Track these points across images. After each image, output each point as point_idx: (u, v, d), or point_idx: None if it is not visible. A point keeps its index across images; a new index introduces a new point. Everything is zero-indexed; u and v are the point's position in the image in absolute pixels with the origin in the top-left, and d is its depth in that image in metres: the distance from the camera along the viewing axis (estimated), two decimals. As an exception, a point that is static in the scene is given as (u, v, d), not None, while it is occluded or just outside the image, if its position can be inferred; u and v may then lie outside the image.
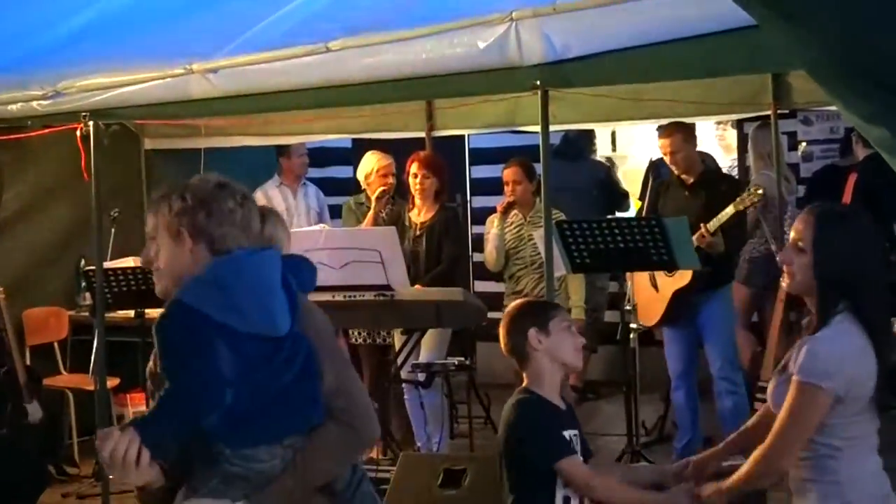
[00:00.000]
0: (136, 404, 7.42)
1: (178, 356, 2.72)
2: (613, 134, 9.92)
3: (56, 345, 7.78)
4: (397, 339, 6.76)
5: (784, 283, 3.33)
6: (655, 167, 7.64)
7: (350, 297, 5.97)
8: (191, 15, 5.92)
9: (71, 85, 5.93)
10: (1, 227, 7.69)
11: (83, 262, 7.67)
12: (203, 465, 2.80)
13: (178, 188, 2.88)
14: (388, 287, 5.93)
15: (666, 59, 4.48)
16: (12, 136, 6.67)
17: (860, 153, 7.03)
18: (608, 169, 9.01)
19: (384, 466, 5.97)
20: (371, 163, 7.29)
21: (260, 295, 2.78)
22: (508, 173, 6.87)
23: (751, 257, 7.65)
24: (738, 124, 8.96)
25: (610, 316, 8.55)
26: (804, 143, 8.88)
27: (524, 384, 3.64)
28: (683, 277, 6.41)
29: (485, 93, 6.01)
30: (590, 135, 8.92)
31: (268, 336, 2.77)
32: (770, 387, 3.31)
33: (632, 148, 9.78)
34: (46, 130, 6.37)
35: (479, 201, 9.66)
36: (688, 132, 6.67)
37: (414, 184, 6.85)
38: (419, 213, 6.89)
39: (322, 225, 7.61)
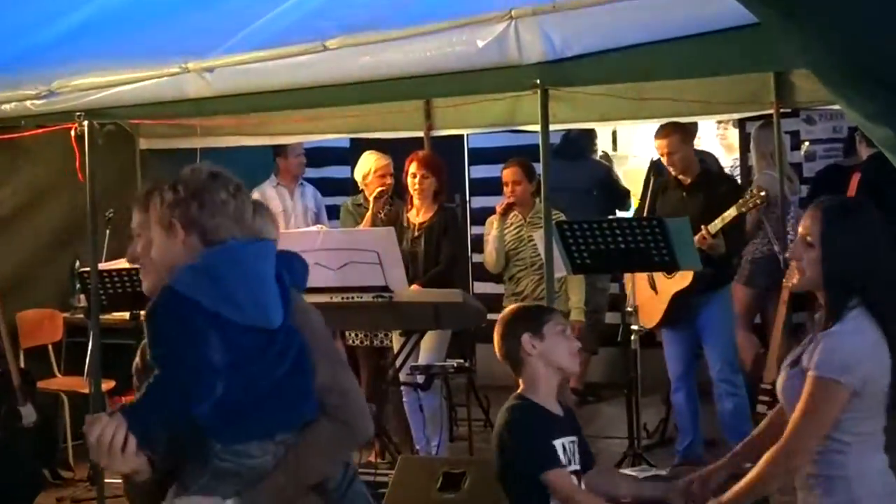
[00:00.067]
0: (132, 407, 7.40)
1: (168, 344, 2.72)
2: (614, 133, 9.92)
3: (50, 347, 7.78)
4: (396, 340, 6.75)
5: (794, 279, 3.33)
6: (657, 167, 7.63)
7: (348, 298, 5.97)
8: (186, 13, 5.92)
9: (65, 84, 5.92)
10: (-5, 227, 7.69)
11: (78, 263, 7.66)
12: (194, 461, 2.80)
13: (167, 177, 2.88)
14: (386, 288, 5.93)
15: (667, 58, 4.48)
16: (6, 136, 6.66)
17: (864, 152, 7.02)
18: (608, 168, 9.01)
19: (382, 469, 5.97)
20: (369, 163, 7.29)
21: (253, 286, 2.78)
22: (508, 174, 6.87)
23: (753, 258, 7.65)
24: (741, 123, 8.96)
25: (611, 317, 8.54)
26: (807, 143, 8.88)
27: (519, 390, 3.63)
28: (683, 279, 6.41)
29: (484, 92, 6.01)
30: (591, 134, 8.92)
31: (261, 328, 2.77)
32: (780, 381, 3.31)
33: (633, 147, 9.79)
34: (40, 130, 6.36)
35: (479, 201, 9.66)
36: (685, 133, 6.67)
37: (413, 184, 6.84)
38: (418, 214, 6.89)
39: (319, 226, 7.61)
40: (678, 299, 6.48)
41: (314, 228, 7.26)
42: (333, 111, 6.96)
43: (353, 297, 5.97)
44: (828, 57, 1.92)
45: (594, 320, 8.19)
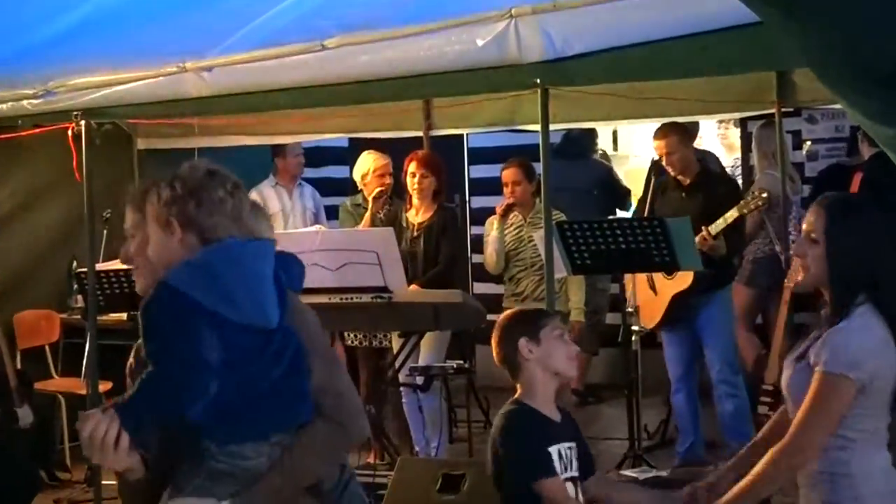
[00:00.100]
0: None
1: (162, 339, 2.71)
2: (615, 133, 9.92)
3: (47, 348, 7.78)
4: (395, 341, 6.75)
5: (799, 276, 3.33)
6: (657, 167, 7.64)
7: (347, 299, 5.97)
8: (184, 12, 5.91)
9: (62, 84, 5.92)
10: (-9, 228, 7.70)
11: (75, 263, 7.66)
12: (188, 462, 2.80)
13: (165, 177, 2.86)
14: (385, 289, 5.93)
15: (668, 57, 4.48)
16: (2, 136, 6.65)
17: (866, 152, 7.03)
18: (609, 168, 9.00)
19: (381, 471, 5.97)
20: (368, 163, 7.29)
21: (251, 285, 2.77)
22: (507, 174, 6.87)
23: (755, 258, 7.66)
24: (742, 123, 8.97)
25: (611, 318, 8.54)
26: (809, 142, 8.88)
27: (516, 395, 3.62)
28: (682, 281, 6.41)
29: (484, 91, 6.02)
30: (592, 134, 8.92)
31: (257, 328, 2.76)
32: (785, 376, 3.30)
33: (634, 147, 9.79)
34: (37, 130, 6.36)
35: (478, 201, 9.66)
36: (683, 133, 6.67)
37: (412, 183, 6.84)
38: (417, 213, 6.89)
39: (318, 226, 7.60)
40: (678, 300, 6.49)
41: (313, 229, 7.26)
42: (332, 111, 6.96)
43: (351, 298, 5.96)
44: (829, 56, 1.92)
45: (594, 321, 8.20)
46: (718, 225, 6.27)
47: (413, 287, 6.43)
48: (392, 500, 5.04)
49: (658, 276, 6.51)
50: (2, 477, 6.29)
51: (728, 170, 8.85)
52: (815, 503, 3.24)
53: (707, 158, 8.43)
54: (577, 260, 5.79)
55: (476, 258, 8.96)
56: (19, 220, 7.82)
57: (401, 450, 6.70)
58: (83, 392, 6.88)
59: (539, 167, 5.35)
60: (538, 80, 4.81)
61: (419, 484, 5.01)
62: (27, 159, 7.57)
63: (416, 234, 6.84)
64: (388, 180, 7.23)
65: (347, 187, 8.27)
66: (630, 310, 6.45)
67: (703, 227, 6.20)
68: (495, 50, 4.67)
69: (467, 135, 9.18)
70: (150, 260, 2.89)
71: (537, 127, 5.08)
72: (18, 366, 7.31)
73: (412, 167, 6.85)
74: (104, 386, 6.80)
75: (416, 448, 6.75)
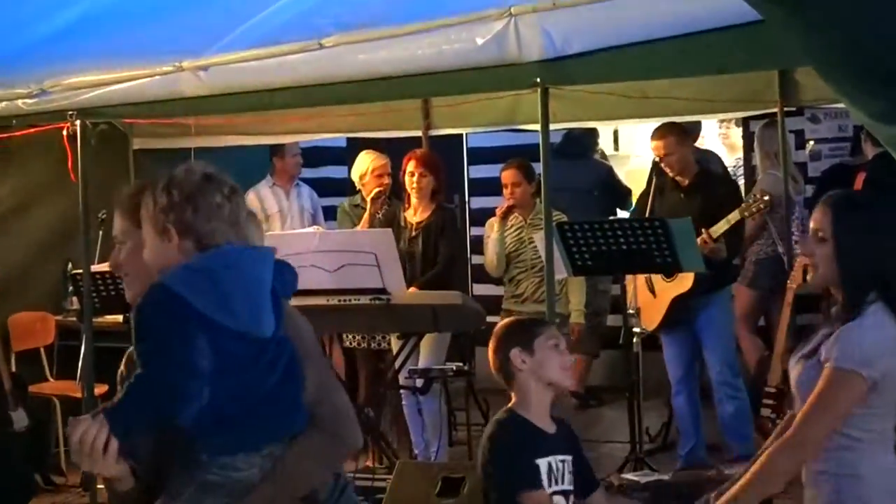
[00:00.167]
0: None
1: (154, 340, 2.68)
2: (616, 133, 9.92)
3: (42, 350, 7.77)
4: (394, 343, 6.75)
5: (808, 276, 3.32)
6: (659, 167, 7.64)
7: (345, 300, 5.97)
8: (180, 11, 5.92)
9: (57, 83, 5.93)
10: (-15, 229, 7.69)
11: (70, 265, 7.65)
12: (179, 474, 2.78)
13: (159, 181, 2.82)
14: (384, 290, 5.93)
15: (669, 56, 4.49)
16: (-3, 136, 6.67)
17: (869, 152, 7.03)
18: (609, 168, 9.01)
19: (380, 475, 5.97)
20: (366, 163, 7.29)
21: (249, 292, 2.75)
22: (506, 175, 6.87)
23: (757, 259, 7.66)
24: (744, 122, 8.97)
25: (612, 320, 8.54)
26: (811, 142, 8.88)
27: (510, 404, 3.61)
28: (681, 284, 6.41)
29: (483, 90, 6.02)
30: (593, 133, 8.92)
31: (252, 336, 2.75)
32: (795, 373, 3.30)
33: (635, 147, 9.78)
34: (32, 130, 6.36)
35: (478, 202, 9.66)
36: (682, 133, 6.67)
37: (410, 182, 6.84)
38: (415, 213, 6.89)
39: (316, 227, 7.60)
40: (678, 302, 6.48)
41: (311, 230, 7.25)
42: (330, 110, 6.97)
43: (350, 300, 5.97)
44: (831, 55, 1.93)
45: (595, 323, 8.19)
46: (719, 227, 6.27)
47: (412, 291, 6.43)
48: (391, 503, 5.04)
49: (657, 279, 6.51)
50: (-4, 481, 6.30)
51: (730, 170, 8.85)
52: None
53: (709, 158, 8.43)
54: (577, 261, 5.79)
55: (476, 259, 8.97)
56: (14, 222, 7.82)
57: (400, 453, 6.70)
58: (78, 395, 6.88)
59: (539, 167, 5.35)
60: (538, 80, 4.81)
61: (418, 487, 5.01)
62: (21, 160, 7.56)
63: (414, 233, 6.84)
64: (387, 180, 7.23)
65: (345, 187, 8.27)
66: (631, 311, 6.45)
67: (703, 230, 6.20)
68: (495, 49, 4.68)
69: (467, 134, 9.18)
70: (141, 267, 2.87)
71: (537, 127, 5.09)
72: (13, 368, 7.30)
73: (411, 166, 6.85)
74: (100, 389, 6.80)
75: (416, 451, 6.75)
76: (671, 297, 6.50)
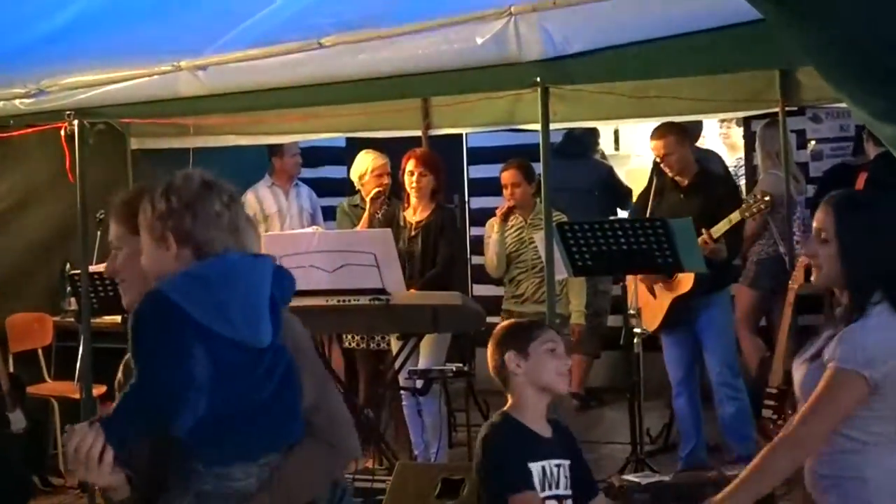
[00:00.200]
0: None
1: (149, 350, 2.68)
2: (616, 132, 9.92)
3: (40, 351, 7.77)
4: (394, 344, 6.75)
5: (813, 277, 3.32)
6: (660, 167, 7.64)
7: (344, 301, 5.97)
8: (179, 10, 5.92)
9: (55, 83, 5.93)
10: (-17, 230, 7.69)
11: (68, 265, 7.65)
12: (176, 484, 2.78)
13: (157, 187, 2.81)
14: (383, 291, 5.93)
15: (670, 55, 4.49)
16: (-6, 136, 6.67)
17: (871, 151, 7.03)
18: (610, 168, 9.01)
19: (380, 476, 5.96)
20: (365, 163, 7.29)
21: (247, 301, 2.74)
22: (506, 176, 6.86)
23: (758, 259, 7.65)
24: (745, 122, 8.96)
25: (613, 320, 8.54)
26: (813, 142, 8.88)
27: (506, 406, 3.60)
28: (682, 285, 6.40)
29: (483, 90, 6.02)
30: (593, 133, 8.92)
31: (249, 345, 2.74)
32: (799, 375, 3.29)
33: (636, 147, 9.78)
34: (29, 130, 6.37)
35: (478, 202, 9.65)
36: (681, 133, 6.66)
37: (410, 181, 6.84)
38: (414, 213, 6.89)
39: (315, 227, 7.61)
40: (678, 303, 6.48)
41: (310, 230, 7.25)
42: (329, 110, 6.96)
43: (349, 300, 5.96)
44: (831, 54, 1.93)
45: (596, 323, 8.19)
46: (720, 228, 6.26)
47: (412, 292, 6.42)
48: (390, 505, 5.04)
49: (657, 282, 6.51)
50: (-6, 483, 6.29)
51: (731, 170, 8.85)
52: None
53: (711, 158, 8.43)
54: (578, 261, 5.79)
55: (476, 259, 8.96)
56: (11, 222, 7.81)
57: (399, 454, 6.69)
58: (77, 396, 6.88)
59: (539, 167, 5.35)
60: (538, 79, 4.82)
61: (418, 489, 5.01)
62: (19, 160, 7.56)
63: (413, 233, 6.84)
64: (386, 180, 7.23)
65: (345, 188, 8.27)
66: (632, 312, 6.45)
67: (703, 230, 6.19)
68: (494, 48, 4.68)
69: (466, 134, 9.17)
70: (137, 273, 2.86)
71: (537, 126, 5.09)
72: (11, 369, 7.30)
73: (410, 165, 6.85)
74: (98, 390, 6.81)
75: (415, 452, 6.75)
76: (671, 298, 6.50)
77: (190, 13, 5.86)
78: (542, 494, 3.47)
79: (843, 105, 5.39)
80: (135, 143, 7.97)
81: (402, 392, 6.76)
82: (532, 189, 6.79)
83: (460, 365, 6.68)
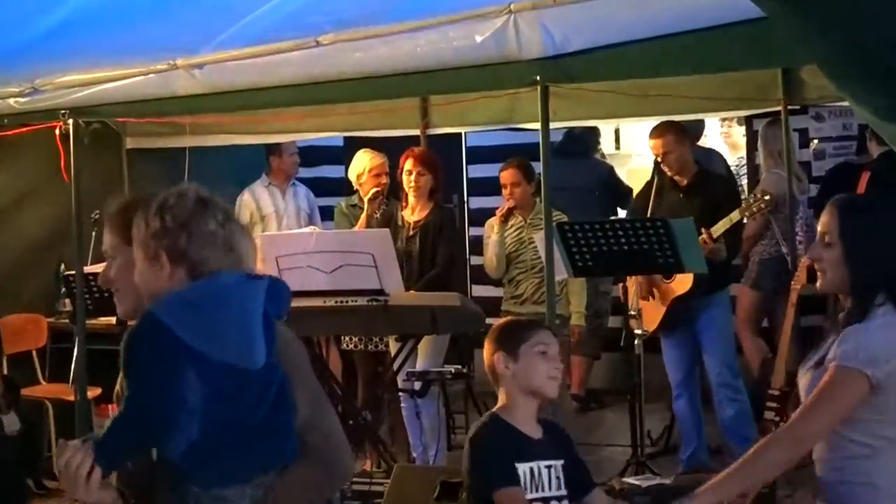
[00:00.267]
0: (119, 415, 7.40)
1: (141, 374, 2.69)
2: (617, 131, 9.92)
3: (34, 353, 7.76)
4: (392, 345, 6.75)
5: (817, 283, 3.32)
6: (661, 166, 7.65)
7: (342, 302, 5.97)
8: (175, 8, 5.92)
9: (49, 81, 5.93)
10: (-23, 230, 7.69)
11: (63, 266, 7.66)
12: None
13: (150, 203, 2.80)
14: (381, 291, 5.93)
15: (671, 53, 4.49)
16: (-12, 135, 6.66)
17: (875, 150, 7.03)
18: (610, 167, 9.01)
19: (378, 479, 5.97)
20: (363, 162, 7.29)
21: (241, 325, 2.73)
22: (505, 175, 6.87)
23: (760, 259, 7.65)
24: (748, 121, 8.96)
25: (613, 321, 8.54)
26: (816, 141, 8.88)
27: (497, 407, 3.59)
28: (681, 286, 6.40)
29: (482, 88, 6.01)
30: (594, 132, 8.92)
31: (242, 368, 2.73)
32: (804, 382, 3.29)
33: (636, 146, 9.78)
34: (24, 129, 6.36)
35: (477, 202, 9.66)
36: (680, 132, 6.66)
37: (408, 181, 6.84)
38: (413, 212, 6.89)
39: (312, 227, 7.60)
40: (677, 304, 6.48)
41: (307, 230, 7.26)
42: (327, 109, 6.96)
43: (347, 301, 5.96)
44: (832, 53, 1.93)
45: (596, 325, 8.20)
46: (720, 227, 6.26)
47: (411, 293, 6.43)
48: (389, 508, 5.04)
49: (656, 282, 6.51)
50: (-12, 485, 6.30)
51: (733, 169, 8.85)
52: None
53: (713, 157, 8.43)
54: (578, 262, 5.79)
55: (475, 260, 8.96)
56: (5, 222, 7.81)
57: (398, 456, 6.70)
58: (71, 398, 6.87)
59: (539, 166, 5.35)
60: (538, 77, 4.81)
61: (416, 492, 5.01)
62: (13, 159, 7.56)
63: (411, 232, 6.84)
64: (385, 180, 7.22)
65: (342, 187, 8.27)
66: (633, 313, 6.45)
67: (702, 230, 6.19)
68: (494, 46, 4.68)
69: (465, 133, 9.17)
70: (131, 282, 2.86)
71: (537, 125, 5.08)
72: (5, 371, 7.30)
73: (408, 164, 6.85)
74: (93, 392, 6.81)
75: (414, 455, 6.75)
76: (671, 298, 6.50)
77: (186, 11, 5.86)
78: (529, 496, 3.45)
79: (846, 104, 5.39)
80: (130, 143, 7.96)
81: (400, 394, 6.77)
82: (532, 188, 6.79)
83: (459, 366, 6.68)
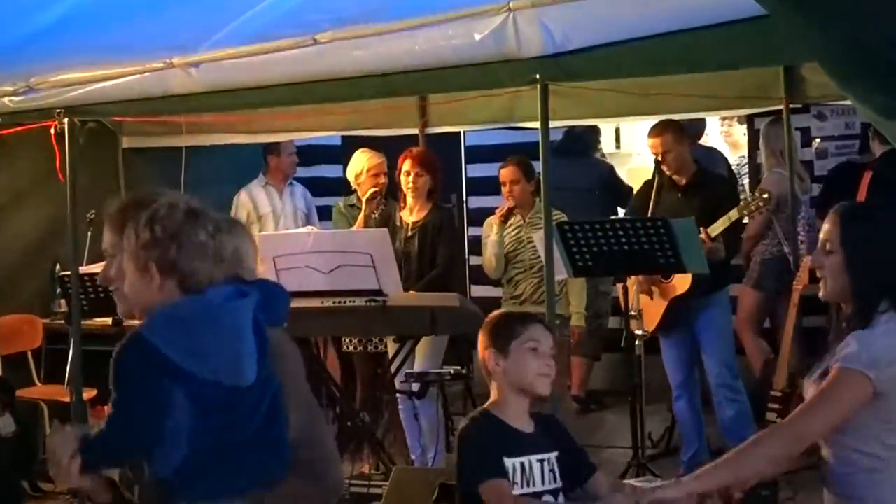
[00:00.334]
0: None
1: (128, 393, 2.73)
2: (617, 130, 9.92)
3: (29, 354, 7.75)
4: (390, 346, 6.75)
5: (820, 293, 3.33)
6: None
7: (340, 302, 5.97)
8: (171, 6, 5.92)
9: (44, 80, 5.92)
10: (-29, 230, 7.69)
11: (58, 266, 7.65)
12: None
13: (142, 212, 2.82)
14: (379, 292, 5.93)
15: (672, 51, 4.49)
16: (-17, 135, 6.66)
17: (877, 149, 7.03)
18: (611, 167, 9.01)
19: (376, 481, 5.97)
20: (361, 162, 7.29)
21: (231, 345, 2.74)
22: (505, 173, 6.87)
23: (762, 259, 7.65)
24: (749, 120, 8.97)
25: (614, 322, 8.54)
26: (818, 140, 8.88)
27: (488, 402, 3.56)
28: (680, 286, 6.40)
29: (481, 87, 6.01)
30: (595, 131, 8.92)
31: (233, 385, 2.74)
32: (810, 393, 3.29)
33: (637, 145, 9.78)
34: (19, 128, 6.36)
35: (476, 201, 9.66)
36: (679, 131, 6.66)
37: (406, 182, 6.84)
38: (411, 213, 6.89)
39: (310, 227, 7.60)
40: (676, 304, 6.48)
41: (305, 230, 7.25)
42: (324, 108, 6.97)
43: (345, 302, 5.96)
44: (833, 51, 1.93)
45: (596, 325, 8.20)
46: (718, 226, 6.26)
47: (409, 293, 6.43)
48: (387, 510, 5.05)
49: (654, 283, 6.51)
50: (-18, 488, 6.29)
51: (734, 168, 8.86)
52: None
53: (715, 157, 8.44)
54: (578, 262, 5.79)
55: (474, 260, 8.96)
56: (0, 222, 7.81)
57: (396, 459, 6.70)
58: (66, 400, 6.88)
59: (538, 165, 5.35)
60: (537, 76, 4.81)
61: (415, 494, 5.01)
62: (8, 158, 7.55)
63: (410, 233, 6.84)
64: (383, 180, 7.22)
65: (340, 187, 8.28)
66: (633, 314, 6.44)
67: (701, 229, 6.19)
68: (493, 44, 4.68)
69: (464, 132, 9.17)
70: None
71: (537, 124, 5.08)
72: (-1, 372, 7.31)
73: (406, 165, 6.85)
74: (88, 393, 6.81)
75: (413, 457, 6.75)
76: (669, 299, 6.50)
77: (183, 9, 5.86)
78: (520, 491, 3.43)
79: (849, 102, 5.39)
80: (126, 142, 7.97)
81: (398, 395, 6.76)
82: (531, 187, 6.79)
83: (458, 367, 6.68)
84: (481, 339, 3.59)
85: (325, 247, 6.12)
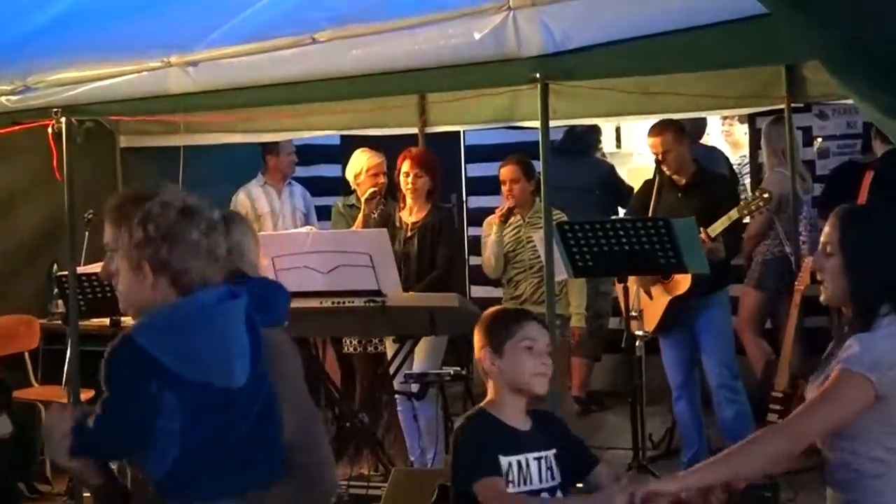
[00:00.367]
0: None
1: (118, 395, 2.77)
2: (618, 130, 9.92)
3: (27, 355, 7.76)
4: (389, 347, 6.75)
5: (821, 297, 3.33)
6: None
7: (338, 303, 5.97)
8: (169, 5, 5.92)
9: (42, 79, 5.92)
10: (-32, 230, 7.68)
11: (55, 267, 7.66)
12: None
13: (137, 209, 2.83)
14: (378, 292, 5.93)
15: (673, 50, 4.48)
16: (-20, 134, 6.66)
17: (879, 149, 7.03)
18: (611, 166, 9.02)
19: (375, 482, 5.98)
20: (361, 161, 7.29)
21: (221, 347, 2.75)
22: (505, 172, 6.87)
23: (764, 259, 7.66)
24: (750, 119, 8.97)
25: (614, 323, 8.54)
26: (820, 139, 8.88)
27: (485, 401, 3.55)
28: (680, 286, 6.40)
29: (481, 86, 6.02)
30: (595, 130, 8.92)
31: (224, 387, 2.75)
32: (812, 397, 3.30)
33: (637, 145, 9.78)
34: (16, 128, 6.36)
35: (476, 201, 9.66)
36: (679, 131, 6.66)
37: (405, 182, 6.84)
38: (410, 213, 6.89)
39: (309, 227, 7.60)
40: (675, 304, 6.48)
41: (303, 230, 7.26)
42: (323, 107, 6.97)
43: (343, 302, 5.96)
44: (837, 49, 1.93)
45: (596, 326, 8.20)
46: (718, 226, 6.26)
47: (409, 293, 6.43)
48: (386, 512, 5.04)
49: (654, 283, 6.51)
50: (-21, 489, 6.29)
51: (735, 168, 8.86)
52: None
53: (716, 156, 8.43)
54: (578, 262, 5.79)
55: (473, 260, 8.96)
56: (-3, 222, 7.82)
57: (395, 460, 6.70)
58: (64, 400, 6.86)
59: (539, 165, 5.35)
60: (537, 75, 4.81)
61: (414, 495, 5.01)
62: (5, 158, 7.55)
63: (409, 234, 6.84)
64: (382, 180, 7.22)
65: (339, 187, 8.28)
66: (634, 314, 6.44)
67: (700, 229, 6.19)
68: (493, 43, 4.67)
69: (464, 132, 9.17)
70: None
71: (537, 123, 5.08)
72: (-4, 373, 7.31)
73: (405, 166, 6.85)
74: (86, 394, 6.80)
75: (412, 458, 6.75)
76: (669, 299, 6.50)
77: (181, 8, 5.85)
78: (517, 489, 3.42)
79: (850, 101, 5.39)
80: (124, 142, 7.97)
81: (397, 396, 6.76)
82: (531, 186, 6.79)
83: (457, 368, 6.67)
84: (477, 338, 3.57)
85: (324, 247, 6.13)
